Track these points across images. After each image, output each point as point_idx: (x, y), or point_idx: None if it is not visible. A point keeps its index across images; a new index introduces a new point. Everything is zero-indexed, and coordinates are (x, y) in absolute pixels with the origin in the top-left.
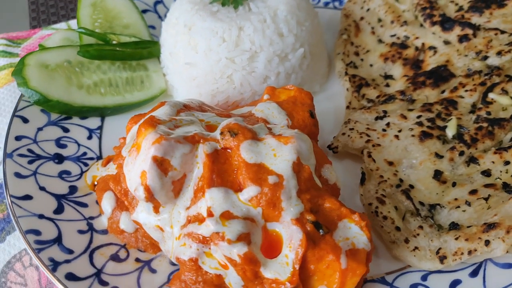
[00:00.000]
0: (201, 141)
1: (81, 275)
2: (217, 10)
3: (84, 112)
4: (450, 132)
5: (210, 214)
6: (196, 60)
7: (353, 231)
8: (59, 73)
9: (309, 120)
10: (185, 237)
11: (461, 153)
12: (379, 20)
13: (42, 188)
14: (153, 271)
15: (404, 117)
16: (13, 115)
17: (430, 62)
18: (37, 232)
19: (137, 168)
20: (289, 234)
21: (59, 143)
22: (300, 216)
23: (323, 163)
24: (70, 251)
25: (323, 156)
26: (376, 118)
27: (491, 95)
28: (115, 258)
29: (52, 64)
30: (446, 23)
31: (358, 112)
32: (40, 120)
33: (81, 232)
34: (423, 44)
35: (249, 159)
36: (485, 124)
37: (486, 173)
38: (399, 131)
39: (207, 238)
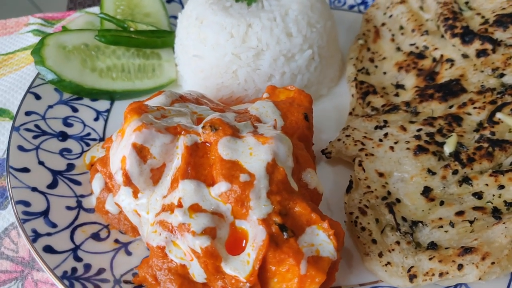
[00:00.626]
0: (183, 133)
1: (59, 249)
2: (230, 6)
3: (94, 94)
4: (448, 149)
5: (179, 204)
6: (204, 53)
7: (320, 238)
8: (75, 55)
9: (302, 123)
10: (156, 224)
11: (455, 172)
12: (401, 28)
13: (41, 163)
14: (129, 253)
15: (404, 128)
16: (27, 91)
17: (445, 75)
18: (26, 204)
19: (119, 152)
20: (254, 233)
21: (66, 121)
22: (267, 217)
23: (306, 167)
24: (54, 225)
25: (307, 160)
26: (376, 127)
27: (498, 115)
28: (95, 236)
29: (69, 46)
30: (466, 35)
31: (359, 120)
32: (52, 98)
33: (69, 208)
34: (441, 56)
35: (224, 155)
36: (485, 145)
37: (478, 195)
38: (396, 142)
39: (175, 228)
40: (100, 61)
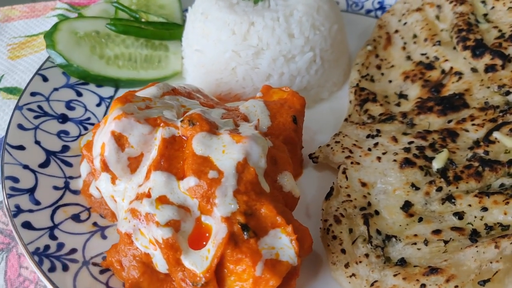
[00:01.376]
0: (162, 125)
1: (37, 226)
2: (236, 3)
3: (100, 80)
4: (437, 164)
5: (148, 195)
6: (205, 48)
7: (282, 242)
8: (85, 41)
9: (290, 125)
10: (128, 212)
11: (439, 189)
12: (414, 36)
13: (37, 142)
14: (104, 237)
15: (395, 140)
16: (36, 73)
17: (451, 88)
18: (15, 180)
19: (100, 139)
20: (217, 230)
21: (68, 104)
22: (231, 216)
23: (283, 169)
24: (37, 203)
25: (286, 163)
26: (368, 136)
27: (495, 134)
28: (75, 218)
29: (81, 32)
30: (478, 49)
31: (352, 127)
32: (59, 81)
33: (56, 188)
34: (451, 68)
35: (197, 150)
36: (476, 164)
37: (459, 215)
38: (384, 153)
39: (142, 217)
40: (109, 49)
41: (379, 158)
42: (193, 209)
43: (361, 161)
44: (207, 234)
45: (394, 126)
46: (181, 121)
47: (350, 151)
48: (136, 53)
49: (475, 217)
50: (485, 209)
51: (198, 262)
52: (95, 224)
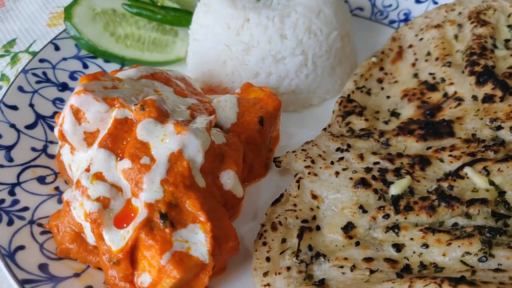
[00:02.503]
0: (118, 105)
1: (1, 181)
2: None
3: (107, 56)
4: (394, 191)
5: (88, 169)
6: (202, 38)
7: (197, 238)
8: (101, 18)
9: (254, 125)
10: (75, 183)
11: (386, 216)
12: (428, 54)
13: (31, 105)
14: (60, 202)
15: (361, 158)
16: (49, 41)
17: (447, 113)
18: None
19: (63, 111)
20: (139, 214)
21: (72, 75)
22: (154, 203)
23: (227, 167)
24: (10, 160)
25: (233, 162)
26: (337, 149)
27: (467, 170)
28: (40, 179)
29: (98, 9)
30: (483, 76)
31: (325, 137)
32: (69, 52)
33: (33, 149)
34: (454, 92)
35: (139, 135)
36: (433, 197)
37: (398, 247)
38: (344, 169)
39: (81, 189)
40: (122, 28)
41: (337, 173)
42: (125, 190)
43: (319, 173)
44: (133, 215)
45: (367, 143)
46: (135, 105)
47: (312, 161)
48: (146, 35)
49: (414, 252)
50: (426, 246)
51: (115, 240)
52: (56, 188)
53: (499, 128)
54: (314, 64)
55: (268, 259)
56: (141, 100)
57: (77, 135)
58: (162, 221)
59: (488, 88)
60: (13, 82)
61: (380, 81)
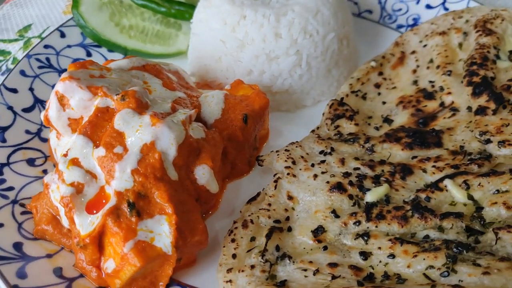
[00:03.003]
0: (100, 94)
1: None
2: None
3: (110, 45)
4: (369, 198)
5: (65, 154)
6: (200, 33)
7: (162, 229)
8: (107, 7)
9: (238, 122)
10: (55, 167)
11: (357, 223)
12: (430, 61)
13: (30, 89)
14: None
15: (342, 162)
16: (56, 28)
17: (440, 123)
18: None
19: (50, 97)
20: (109, 201)
21: (74, 61)
22: (124, 191)
23: (202, 162)
24: (4, 140)
25: (209, 157)
26: (321, 152)
27: (447, 182)
28: (30, 161)
29: None
30: (479, 87)
31: (311, 139)
32: (75, 39)
33: (27, 132)
34: (452, 102)
35: (116, 125)
36: (407, 207)
37: (364, 255)
38: (323, 172)
39: (58, 173)
40: (127, 19)
41: (315, 176)
42: (100, 177)
43: (298, 175)
44: (104, 202)
45: (352, 148)
46: (117, 95)
47: (293, 162)
48: (150, 27)
49: (380, 261)
50: (392, 256)
51: (84, 225)
52: (44, 171)
53: (488, 141)
54: (309, 65)
55: (234, 256)
56: (124, 91)
57: (62, 121)
58: (129, 210)
59: (482, 100)
60: (16, 66)
61: (377, 86)
